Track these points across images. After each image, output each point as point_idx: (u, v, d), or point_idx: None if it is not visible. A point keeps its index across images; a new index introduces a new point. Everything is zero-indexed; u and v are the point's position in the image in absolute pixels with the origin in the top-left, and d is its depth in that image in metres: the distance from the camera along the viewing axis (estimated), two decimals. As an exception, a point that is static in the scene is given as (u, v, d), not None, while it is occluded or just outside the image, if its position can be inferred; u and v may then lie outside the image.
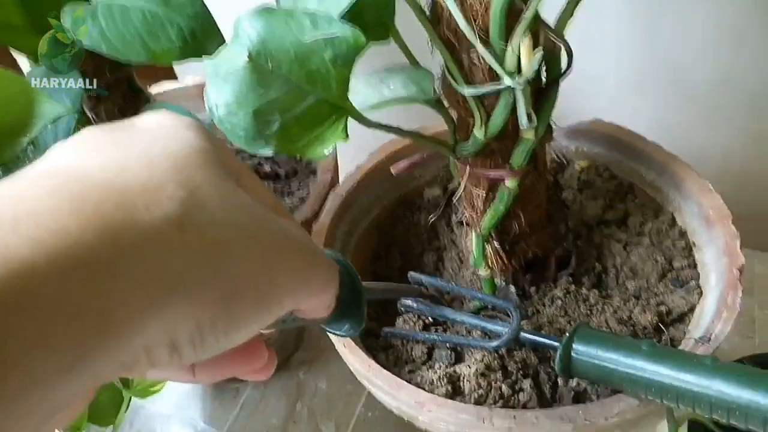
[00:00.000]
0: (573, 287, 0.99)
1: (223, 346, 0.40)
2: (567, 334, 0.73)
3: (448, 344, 0.92)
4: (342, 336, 0.61)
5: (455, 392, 0.87)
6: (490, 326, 0.86)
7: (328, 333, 0.63)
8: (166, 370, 0.46)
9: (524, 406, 0.86)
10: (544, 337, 0.81)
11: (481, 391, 0.86)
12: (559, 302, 0.97)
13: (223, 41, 0.91)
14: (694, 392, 0.67)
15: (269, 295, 0.41)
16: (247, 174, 0.46)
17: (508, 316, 0.88)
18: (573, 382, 0.89)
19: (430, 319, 0.95)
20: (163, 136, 0.41)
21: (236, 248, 0.38)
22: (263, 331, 0.47)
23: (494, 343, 0.83)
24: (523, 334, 0.81)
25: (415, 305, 0.88)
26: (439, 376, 0.88)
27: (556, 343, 0.77)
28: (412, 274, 0.84)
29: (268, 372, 0.52)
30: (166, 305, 0.35)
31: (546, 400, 0.88)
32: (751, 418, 0.65)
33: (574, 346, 0.74)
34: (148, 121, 0.43)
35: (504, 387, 0.86)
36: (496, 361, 0.89)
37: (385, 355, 0.96)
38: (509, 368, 0.89)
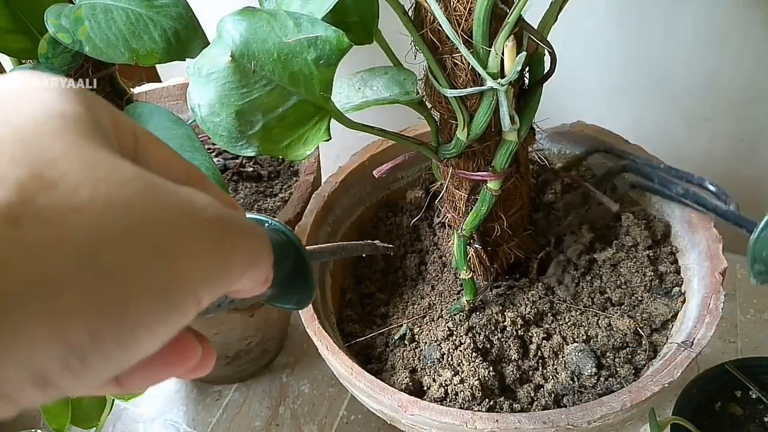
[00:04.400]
0: (554, 290, 0.99)
1: (126, 361, 0.32)
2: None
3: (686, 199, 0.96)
4: (291, 309, 0.57)
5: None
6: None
7: (277, 307, 0.58)
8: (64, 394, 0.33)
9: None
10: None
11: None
12: (540, 305, 0.97)
13: (207, 42, 0.90)
14: None
15: (172, 287, 0.32)
16: (145, 138, 0.39)
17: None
18: (549, 385, 0.89)
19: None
20: (10, 101, 0.33)
21: (110, 235, 0.29)
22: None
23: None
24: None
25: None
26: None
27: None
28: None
29: (207, 367, 0.42)
30: (7, 332, 0.27)
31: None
32: None
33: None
34: None
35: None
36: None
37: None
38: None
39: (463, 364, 0.90)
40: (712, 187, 0.90)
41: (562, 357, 0.92)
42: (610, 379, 0.89)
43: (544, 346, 0.93)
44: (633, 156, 1.03)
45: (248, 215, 0.49)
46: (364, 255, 0.70)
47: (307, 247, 0.54)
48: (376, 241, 0.67)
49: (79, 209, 0.28)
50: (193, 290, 0.33)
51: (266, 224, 0.51)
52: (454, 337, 0.94)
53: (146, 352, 0.32)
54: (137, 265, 0.30)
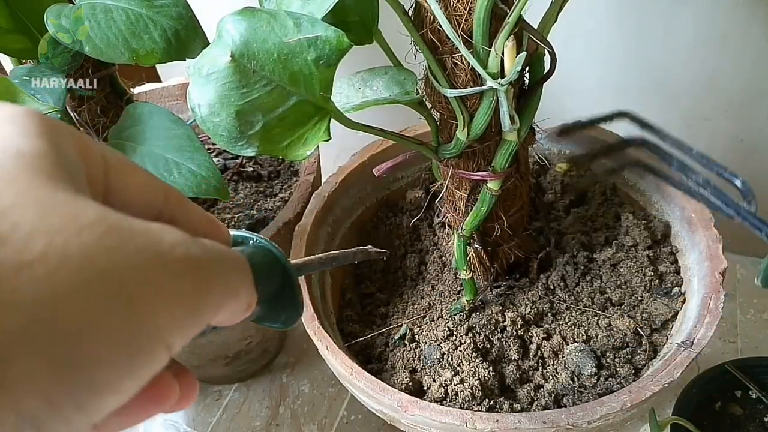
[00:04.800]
0: (553, 289, 0.99)
1: (91, 421, 0.29)
2: None
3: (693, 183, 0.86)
4: (278, 328, 0.54)
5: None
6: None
7: (264, 326, 0.56)
8: None
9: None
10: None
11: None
12: (540, 305, 0.97)
13: (207, 42, 0.90)
14: None
15: (137, 339, 0.29)
16: (118, 163, 0.36)
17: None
18: (549, 385, 0.89)
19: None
20: None
21: (66, 290, 0.27)
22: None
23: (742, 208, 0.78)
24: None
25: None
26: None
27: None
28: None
29: (189, 400, 0.39)
30: None
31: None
32: None
33: None
34: None
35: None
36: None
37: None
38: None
39: (463, 364, 0.90)
40: (740, 184, 0.86)
41: (562, 357, 0.92)
42: (610, 379, 0.89)
43: (544, 346, 0.93)
44: (663, 132, 0.98)
45: (233, 232, 0.47)
46: (356, 262, 0.68)
47: (294, 261, 0.52)
48: (368, 247, 0.66)
49: (31, 265, 0.26)
50: (161, 338, 0.30)
51: (251, 241, 0.49)
52: (454, 337, 0.94)
53: (114, 406, 0.30)
54: (97, 319, 0.27)
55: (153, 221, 0.35)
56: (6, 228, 0.26)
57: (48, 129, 0.32)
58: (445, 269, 1.06)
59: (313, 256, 0.57)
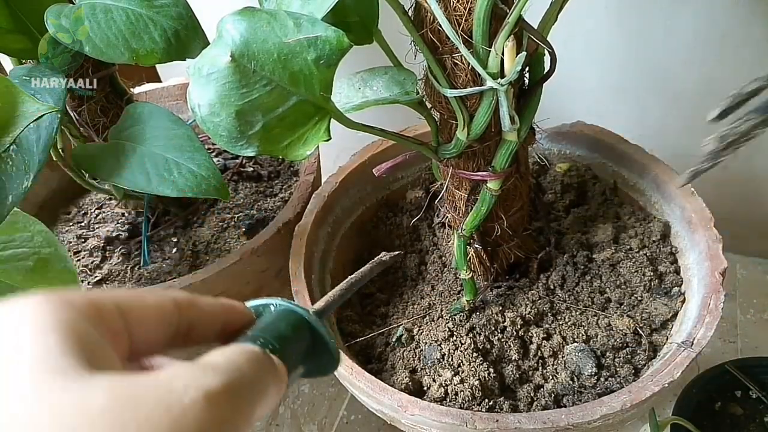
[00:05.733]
0: (553, 289, 0.99)
1: None
2: None
3: None
4: (318, 377, 0.53)
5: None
6: None
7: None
8: None
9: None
10: None
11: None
12: (540, 305, 0.97)
13: (207, 42, 0.90)
14: None
15: None
16: (128, 305, 0.36)
17: None
18: (549, 385, 0.89)
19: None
20: None
21: None
22: None
23: None
24: None
25: None
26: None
27: None
28: None
29: None
30: None
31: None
32: None
33: None
34: None
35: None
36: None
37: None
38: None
39: (463, 364, 0.90)
40: None
41: (562, 357, 0.92)
42: (610, 379, 0.89)
43: (544, 346, 0.93)
44: None
45: (249, 304, 0.46)
46: (375, 276, 0.65)
47: (316, 307, 0.51)
48: (382, 255, 0.65)
49: None
50: None
51: (271, 307, 0.47)
52: (455, 338, 0.94)
53: None
54: None
55: (172, 339, 0.38)
56: None
57: (60, 315, 0.32)
58: (445, 269, 1.06)
59: (332, 293, 0.55)
